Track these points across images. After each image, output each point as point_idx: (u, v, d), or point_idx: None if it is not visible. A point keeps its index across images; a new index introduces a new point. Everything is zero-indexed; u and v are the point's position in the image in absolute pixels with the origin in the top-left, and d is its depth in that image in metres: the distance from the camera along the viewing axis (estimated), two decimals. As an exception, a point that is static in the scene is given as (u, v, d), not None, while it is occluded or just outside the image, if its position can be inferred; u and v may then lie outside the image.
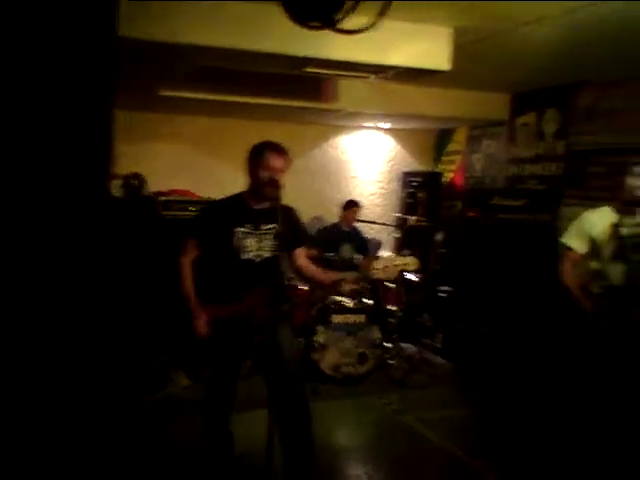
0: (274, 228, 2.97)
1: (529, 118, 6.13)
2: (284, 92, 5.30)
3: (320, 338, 4.87)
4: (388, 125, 7.14)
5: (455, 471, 3.66)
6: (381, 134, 7.47)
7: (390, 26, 3.62)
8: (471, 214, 5.99)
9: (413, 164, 7.60)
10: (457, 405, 4.68)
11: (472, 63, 4.62)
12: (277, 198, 2.93)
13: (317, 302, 5.03)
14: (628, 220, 3.14)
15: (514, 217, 5.60)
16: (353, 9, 2.57)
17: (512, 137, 6.38)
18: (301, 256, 3.21)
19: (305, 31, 2.85)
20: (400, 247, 6.81)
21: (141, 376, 4.40)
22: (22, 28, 1.23)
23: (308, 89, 5.37)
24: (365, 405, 4.58)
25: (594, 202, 3.78)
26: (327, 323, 4.94)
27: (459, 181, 7.20)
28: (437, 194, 7.10)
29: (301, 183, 6.08)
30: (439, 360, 5.69)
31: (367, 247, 6.17)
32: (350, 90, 5.52)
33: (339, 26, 2.68)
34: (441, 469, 3.74)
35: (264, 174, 2.90)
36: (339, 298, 5.06)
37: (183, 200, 5.34)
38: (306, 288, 4.90)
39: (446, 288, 6.01)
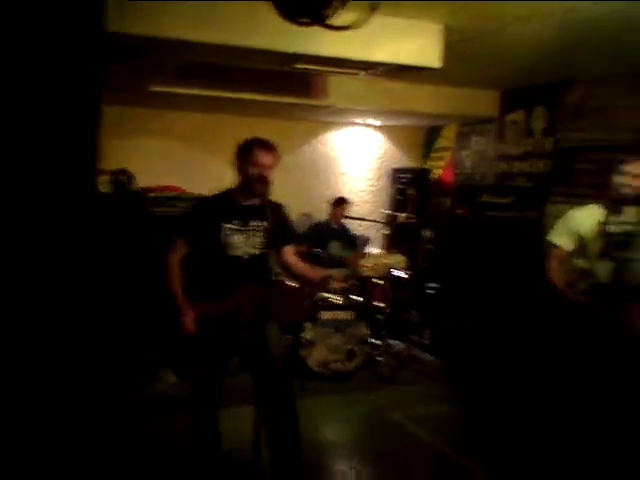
0: (263, 225, 2.96)
1: (518, 115, 6.16)
2: (274, 88, 5.29)
3: (308, 335, 4.87)
4: (378, 122, 7.14)
5: (443, 468, 3.68)
6: (371, 131, 7.47)
7: (380, 23, 3.61)
8: (459, 211, 6.01)
9: (402, 161, 7.61)
10: (445, 402, 4.69)
11: (462, 60, 4.62)
12: (266, 194, 2.93)
13: (306, 299, 5.03)
14: (615, 218, 3.16)
15: (502, 214, 5.62)
16: (342, 5, 2.57)
17: (501, 134, 6.41)
18: (290, 253, 3.21)
19: (295, 27, 2.84)
20: (389, 244, 6.83)
21: (128, 373, 4.38)
22: (8, 23, 1.21)
23: (298, 85, 5.36)
24: (353, 401, 4.59)
25: (581, 199, 3.81)
26: (315, 320, 4.94)
27: (448, 178, 7.22)
28: (426, 191, 7.12)
29: (290, 179, 6.07)
30: (427, 357, 5.71)
31: (356, 244, 6.18)
32: (340, 87, 5.51)
33: (328, 22, 2.68)
34: (429, 466, 3.75)
35: (253, 171, 2.89)
36: (327, 295, 5.06)
37: (172, 196, 5.32)
38: (294, 284, 4.89)
39: (434, 285, 6.03)
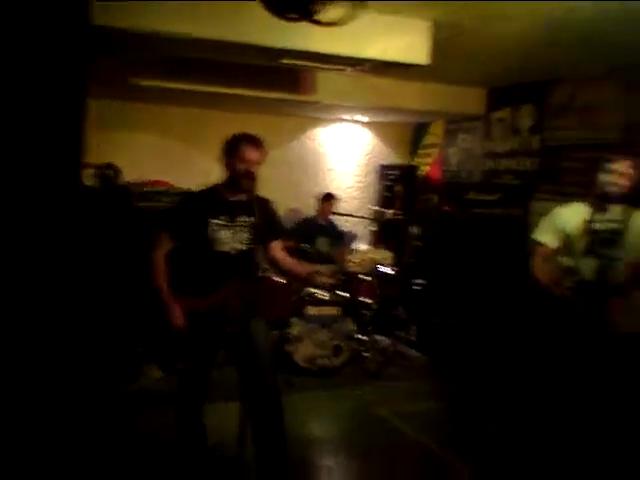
0: (250, 220, 2.96)
1: (505, 113, 6.19)
2: (262, 84, 5.27)
3: (295, 330, 4.88)
4: (366, 118, 7.15)
5: (429, 464, 3.69)
6: (359, 127, 7.48)
7: (368, 19, 3.61)
8: (446, 208, 6.04)
9: (390, 157, 7.63)
10: (431, 398, 4.72)
11: (449, 58, 4.63)
12: (253, 190, 2.93)
13: (292, 294, 5.03)
14: (600, 216, 3.18)
15: (488, 212, 5.65)
16: (330, 1, 2.56)
17: (488, 132, 6.44)
18: (277, 248, 3.21)
19: (282, 23, 2.83)
20: (376, 240, 6.84)
21: (114, 368, 4.36)
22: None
23: (286, 81, 5.35)
24: (339, 397, 4.60)
25: (567, 197, 3.83)
26: (302, 315, 4.95)
27: (435, 175, 7.25)
28: (413, 188, 7.14)
29: (279, 175, 6.07)
30: (413, 353, 5.73)
31: (343, 240, 6.19)
32: (328, 83, 5.51)
33: (316, 18, 2.67)
34: (414, 462, 3.77)
35: (240, 166, 2.89)
36: (314, 290, 5.07)
37: (159, 191, 5.29)
38: (281, 280, 4.89)
39: (420, 281, 6.05)
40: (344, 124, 7.38)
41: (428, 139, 7.46)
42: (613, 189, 3.12)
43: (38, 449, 1.37)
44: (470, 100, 6.35)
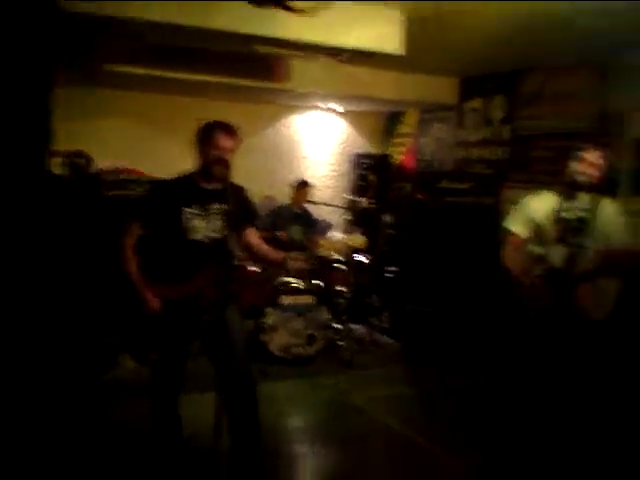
0: (224, 208, 2.94)
1: (477, 103, 6.24)
2: (236, 71, 5.23)
3: (269, 320, 4.88)
4: (340, 107, 7.14)
5: (403, 448, 3.73)
6: (333, 115, 7.47)
7: (342, 8, 3.60)
8: (419, 197, 6.07)
9: (365, 146, 7.64)
10: (403, 384, 4.77)
11: (423, 47, 4.64)
12: (226, 178, 2.91)
13: (267, 283, 5.03)
14: (569, 204, 3.23)
15: (461, 200, 5.70)
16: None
17: (461, 121, 6.48)
18: (252, 235, 3.19)
19: (256, 10, 2.82)
20: (350, 229, 6.86)
21: (86, 358, 4.32)
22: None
23: (260, 68, 5.31)
24: (314, 385, 4.63)
25: (537, 186, 3.88)
26: (276, 305, 4.95)
27: (409, 164, 7.28)
28: (387, 176, 7.17)
29: (254, 162, 6.04)
30: (387, 340, 5.78)
31: (317, 228, 6.19)
32: (303, 71, 5.49)
33: (289, 5, 2.66)
34: (388, 446, 3.81)
35: (214, 153, 2.86)
36: (288, 279, 5.07)
37: (131, 179, 5.22)
38: (256, 269, 4.89)
39: (393, 269, 6.10)
40: (319, 112, 7.36)
41: (402, 128, 7.48)
42: (583, 178, 3.16)
43: (11, 438, 1.36)
44: (443, 90, 6.39)
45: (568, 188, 3.25)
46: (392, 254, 6.31)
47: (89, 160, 5.16)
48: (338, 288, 5.44)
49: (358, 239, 5.43)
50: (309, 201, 6.06)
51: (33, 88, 1.33)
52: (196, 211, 2.89)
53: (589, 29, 3.97)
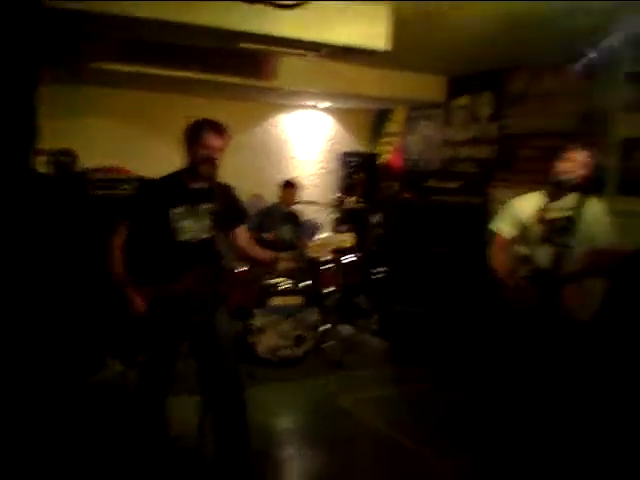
0: (212, 208, 2.92)
1: (465, 100, 6.25)
2: (222, 68, 5.20)
3: (258, 322, 4.84)
4: (328, 104, 7.13)
5: (390, 451, 3.72)
6: (321, 114, 7.46)
7: (328, 4, 3.59)
8: (406, 196, 6.08)
9: (352, 144, 7.64)
10: (392, 385, 4.78)
11: (411, 45, 4.64)
12: (214, 177, 2.89)
13: (255, 283, 5.00)
14: (555, 204, 3.24)
15: (448, 199, 5.71)
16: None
17: (448, 119, 6.50)
18: (241, 235, 3.17)
19: (241, 5, 2.79)
20: (339, 228, 6.87)
21: (72, 360, 4.28)
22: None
23: (247, 66, 5.28)
24: (302, 387, 4.61)
25: (523, 185, 3.89)
26: (265, 306, 4.92)
27: (397, 162, 7.29)
28: (374, 175, 7.17)
29: (242, 161, 6.02)
30: (375, 341, 5.78)
31: (305, 228, 6.18)
32: (290, 68, 5.47)
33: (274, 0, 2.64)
34: (376, 448, 3.80)
35: (202, 153, 2.84)
36: (277, 280, 5.05)
37: (118, 178, 5.17)
38: (244, 269, 4.87)
39: (381, 269, 6.10)
40: (306, 111, 7.35)
41: (390, 126, 7.49)
42: (569, 178, 3.17)
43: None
44: (431, 87, 6.40)
45: (554, 188, 3.26)
46: (380, 254, 6.32)
47: (74, 158, 5.11)
48: (326, 289, 5.43)
49: (348, 238, 5.42)
50: (297, 201, 6.04)
51: (17, 86, 1.31)
52: (184, 211, 2.87)
53: (574, 28, 3.99)
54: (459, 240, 5.40)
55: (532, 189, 3.45)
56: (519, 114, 5.58)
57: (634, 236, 3.25)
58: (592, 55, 3.39)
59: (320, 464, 3.55)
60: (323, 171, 7.55)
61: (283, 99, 6.74)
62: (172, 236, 2.86)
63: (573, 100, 5.01)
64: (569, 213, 3.15)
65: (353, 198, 6.40)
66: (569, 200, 3.20)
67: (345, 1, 3.68)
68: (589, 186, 3.23)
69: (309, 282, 5.27)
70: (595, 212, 3.16)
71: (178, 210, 2.86)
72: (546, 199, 3.28)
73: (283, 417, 4.15)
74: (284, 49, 4.08)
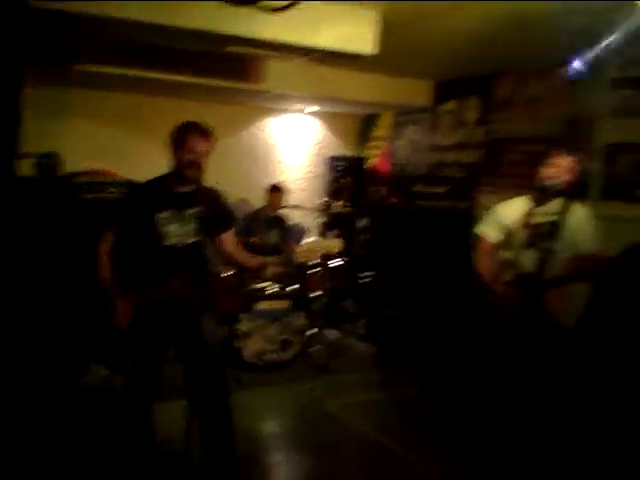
0: (198, 212, 2.90)
1: (452, 105, 6.29)
2: (209, 71, 5.19)
3: (244, 326, 4.82)
4: (315, 108, 7.14)
5: (378, 455, 3.70)
6: (308, 118, 7.47)
7: (315, 7, 3.59)
8: (393, 200, 6.09)
9: (340, 149, 7.65)
10: (379, 389, 4.78)
11: (398, 49, 4.67)
12: (200, 180, 2.87)
13: (241, 288, 4.98)
14: (540, 209, 3.26)
15: (435, 204, 5.73)
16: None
17: (435, 124, 6.53)
18: (228, 240, 3.15)
19: (227, 9, 2.78)
20: (325, 232, 6.87)
21: (57, 365, 4.23)
22: None
23: (234, 69, 5.28)
24: (288, 391, 4.59)
25: (509, 190, 3.92)
26: (251, 311, 4.90)
27: (384, 167, 7.31)
28: (362, 180, 7.19)
29: (228, 165, 6.02)
30: (362, 345, 5.78)
31: (292, 233, 6.17)
32: (277, 72, 5.48)
33: (261, 4, 2.64)
34: (363, 453, 3.79)
35: (188, 157, 2.80)
36: (263, 284, 5.03)
37: (104, 181, 5.12)
38: (230, 274, 4.85)
39: (368, 273, 6.10)
40: (294, 115, 7.35)
41: (377, 131, 7.51)
42: (553, 183, 3.19)
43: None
44: (418, 92, 6.43)
45: (539, 193, 3.28)
46: (367, 258, 6.32)
47: (58, 161, 5.06)
48: (313, 293, 5.42)
49: (336, 244, 5.43)
50: (284, 206, 6.03)
51: (0, 87, 1.29)
52: (170, 215, 2.85)
53: (558, 33, 4.02)
54: (446, 245, 5.42)
55: (518, 194, 3.46)
56: (505, 119, 5.62)
57: (617, 241, 3.28)
58: (577, 60, 3.40)
59: (307, 469, 3.54)
60: (310, 175, 7.55)
61: (270, 103, 6.74)
62: (158, 240, 2.83)
63: (558, 105, 5.05)
64: (554, 218, 3.17)
65: (340, 202, 6.41)
66: (554, 205, 3.21)
67: (332, 4, 3.69)
68: (574, 191, 3.26)
69: (296, 286, 5.26)
70: (580, 217, 3.18)
71: (164, 214, 2.84)
72: (531, 204, 3.30)
73: (269, 421, 4.13)
74: (271, 52, 4.09)
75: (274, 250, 5.55)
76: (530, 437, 3.17)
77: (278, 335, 4.93)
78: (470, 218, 5.04)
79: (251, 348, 4.83)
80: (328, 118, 7.54)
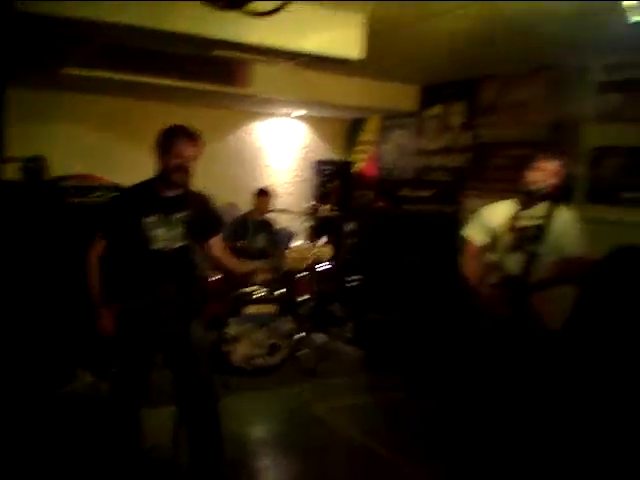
0: (185, 216, 2.89)
1: (438, 109, 6.32)
2: (195, 75, 5.18)
3: (232, 331, 4.80)
4: (302, 112, 7.15)
5: (365, 459, 3.70)
6: (296, 122, 7.48)
7: (302, 12, 3.60)
8: (380, 204, 6.11)
9: (327, 153, 7.67)
10: (366, 393, 4.77)
11: (384, 54, 4.69)
12: (186, 184, 2.86)
13: (229, 292, 4.97)
14: (526, 212, 3.28)
15: (421, 208, 5.75)
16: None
17: (421, 129, 6.56)
18: (216, 245, 3.14)
19: (214, 13, 2.78)
20: (313, 236, 6.87)
21: (43, 371, 4.19)
22: None
23: (221, 73, 5.28)
24: (276, 396, 4.58)
25: (495, 193, 3.94)
26: (239, 315, 4.88)
27: (371, 171, 7.33)
28: (349, 184, 7.20)
29: (216, 169, 6.00)
30: (349, 349, 5.78)
31: (279, 237, 6.16)
32: (264, 76, 5.49)
33: (248, 9, 2.64)
34: (350, 457, 3.78)
35: (175, 161, 2.79)
36: (251, 289, 5.02)
37: (91, 185, 5.09)
38: (218, 279, 4.83)
39: (356, 277, 6.11)
40: (281, 119, 7.36)
41: (364, 135, 7.54)
42: (539, 187, 3.21)
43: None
44: (404, 97, 6.47)
45: (525, 197, 3.30)
46: (354, 262, 6.33)
47: (45, 165, 5.02)
48: (301, 297, 5.41)
49: (325, 250, 5.43)
50: (271, 210, 6.03)
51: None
52: (156, 219, 2.83)
53: (544, 38, 4.06)
54: (432, 248, 5.44)
55: (504, 198, 3.48)
56: (491, 123, 5.66)
57: (603, 243, 3.31)
58: (562, 64, 3.44)
59: (294, 473, 3.54)
60: (297, 179, 7.56)
61: (257, 107, 6.74)
62: (145, 245, 2.81)
63: (544, 109, 5.10)
64: (539, 221, 3.19)
65: (327, 206, 6.41)
66: (540, 209, 3.23)
67: (318, 9, 3.69)
68: (559, 194, 3.28)
69: (283, 290, 5.25)
70: (565, 220, 3.21)
71: (150, 219, 2.82)
72: (517, 207, 3.32)
73: (257, 426, 4.12)
74: (257, 56, 4.09)
75: (261, 254, 5.53)
76: (517, 440, 3.19)
77: (266, 339, 4.91)
78: (456, 222, 5.06)
79: (239, 352, 4.81)
80: (315, 122, 7.55)
